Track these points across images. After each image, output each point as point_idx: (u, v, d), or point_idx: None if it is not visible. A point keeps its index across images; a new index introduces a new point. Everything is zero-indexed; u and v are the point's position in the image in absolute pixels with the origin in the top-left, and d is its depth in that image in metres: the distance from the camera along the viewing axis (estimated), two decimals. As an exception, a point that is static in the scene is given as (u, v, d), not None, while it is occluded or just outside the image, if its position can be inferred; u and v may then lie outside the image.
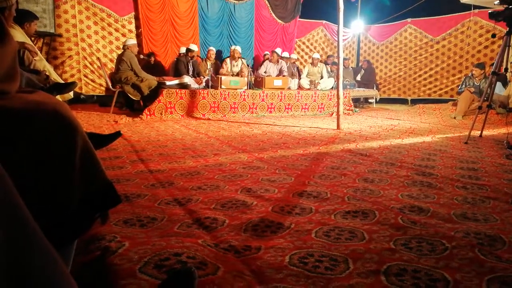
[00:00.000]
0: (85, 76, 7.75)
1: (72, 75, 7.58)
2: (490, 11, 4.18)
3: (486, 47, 9.00)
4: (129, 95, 6.13)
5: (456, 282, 1.09)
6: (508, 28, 3.86)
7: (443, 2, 9.54)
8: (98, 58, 7.50)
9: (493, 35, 4.99)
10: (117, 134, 1.41)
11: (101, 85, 7.88)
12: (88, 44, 7.72)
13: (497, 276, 1.12)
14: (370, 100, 10.07)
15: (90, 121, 5.22)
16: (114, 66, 6.86)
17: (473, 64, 7.67)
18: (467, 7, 9.11)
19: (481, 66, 6.97)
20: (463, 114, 6.55)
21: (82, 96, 7.41)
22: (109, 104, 6.34)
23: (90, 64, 7.76)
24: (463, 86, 6.97)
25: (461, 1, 8.33)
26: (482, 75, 6.84)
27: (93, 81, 7.82)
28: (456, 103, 7.07)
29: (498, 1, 4.52)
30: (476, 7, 8.99)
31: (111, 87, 6.33)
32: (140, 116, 5.68)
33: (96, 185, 0.74)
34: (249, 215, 1.65)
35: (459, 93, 7.11)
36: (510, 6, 3.76)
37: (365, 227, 1.51)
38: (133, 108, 6.52)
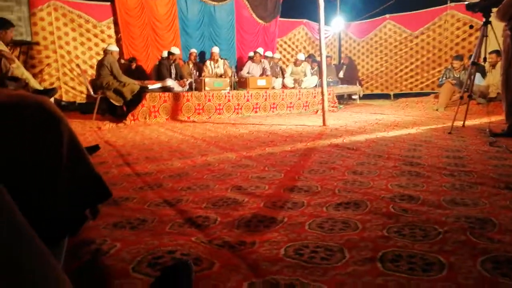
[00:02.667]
0: (65, 83, 7.61)
1: (52, 83, 7.42)
2: (466, 3, 4.28)
3: (463, 39, 9.20)
4: (112, 100, 6.05)
5: (450, 264, 1.10)
6: (484, 19, 3.95)
7: (420, -4, 9.73)
8: (77, 65, 7.37)
9: (471, 26, 5.12)
10: (95, 148, 1.38)
11: (81, 92, 7.74)
12: (67, 51, 7.58)
13: (490, 257, 1.14)
14: (353, 97, 10.17)
15: (72, 129, 5.11)
16: (94, 73, 6.75)
17: (452, 57, 7.82)
18: (443, 1, 9.31)
19: (459, 58, 7.13)
20: (445, 106, 6.68)
21: (63, 103, 7.28)
22: (91, 112, 6.24)
23: (70, 71, 7.63)
24: (444, 78, 7.11)
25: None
26: (462, 66, 6.99)
27: (73, 88, 7.69)
28: (438, 95, 7.20)
29: (473, -8, 4.63)
30: (452, 0, 9.19)
31: (92, 93, 6.22)
32: (124, 121, 5.61)
33: (84, 179, 0.71)
34: (241, 211, 1.64)
35: (439, 86, 7.25)
36: (485, -3, 3.85)
37: (357, 217, 1.52)
38: (116, 114, 6.42)
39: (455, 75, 6.95)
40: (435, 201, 1.70)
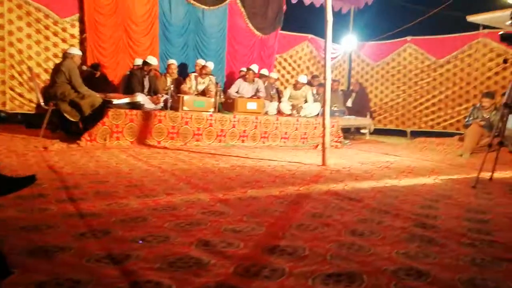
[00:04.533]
0: (11, 89, 7.55)
1: (-5, 87, 7.36)
2: (501, 33, 4.39)
3: (497, 73, 9.45)
4: (66, 114, 5.99)
5: None
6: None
7: (448, 20, 10.03)
8: (29, 67, 7.34)
9: (505, 61, 5.22)
10: (30, 179, 1.32)
11: (31, 100, 7.67)
12: (18, 49, 7.57)
13: None
14: (362, 131, 10.26)
15: (12, 147, 5.03)
16: (49, 78, 6.72)
17: (482, 93, 7.98)
18: (475, 27, 9.60)
19: (490, 95, 7.26)
20: (471, 151, 6.74)
21: (2, 114, 7.18)
22: (39, 126, 6.16)
23: (19, 74, 7.59)
24: (471, 118, 7.22)
25: (468, 20, 8.78)
26: (493, 106, 7.12)
27: (21, 95, 7.62)
28: (463, 138, 7.28)
29: (510, 21, 4.77)
30: (485, 27, 9.49)
31: (42, 104, 6.17)
32: (78, 141, 5.54)
33: None
34: (204, 278, 1.57)
35: (466, 126, 7.35)
36: (523, 29, 3.96)
37: (350, 297, 1.46)
38: (70, 131, 6.35)
39: (484, 115, 7.07)
40: (448, 281, 1.65)
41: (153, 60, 7.32)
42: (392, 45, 11.17)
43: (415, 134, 10.16)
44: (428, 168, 5.22)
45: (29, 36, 7.67)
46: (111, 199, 2.76)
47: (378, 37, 11.51)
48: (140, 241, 1.95)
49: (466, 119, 7.47)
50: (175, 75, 8.09)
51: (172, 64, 7.99)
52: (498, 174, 4.71)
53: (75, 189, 3.00)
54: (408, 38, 10.81)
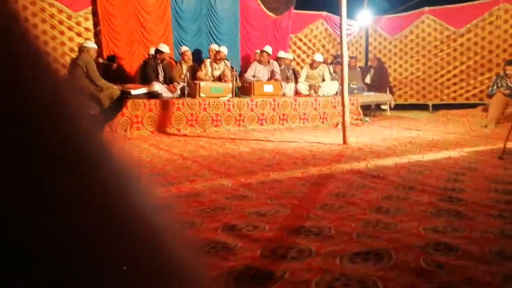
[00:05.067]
0: (31, 85, 7.68)
1: (15, 85, 7.49)
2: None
3: (520, 39, 9.17)
4: (86, 108, 6.07)
5: None
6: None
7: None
8: (47, 63, 7.45)
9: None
10: None
11: (51, 96, 7.80)
12: (35, 46, 7.67)
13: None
14: (383, 107, 10.12)
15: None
16: (66, 73, 6.81)
17: (505, 61, 7.77)
18: (496, -7, 9.31)
19: None
20: (496, 121, 6.60)
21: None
22: (61, 120, 6.26)
23: (37, 70, 7.71)
24: (495, 87, 7.05)
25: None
26: None
27: (41, 91, 7.76)
28: (487, 108, 7.13)
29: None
30: (506, -9, 9.19)
31: (62, 98, 6.26)
32: (99, 134, 5.61)
33: None
34: (231, 262, 1.59)
35: (489, 96, 7.19)
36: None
37: (378, 274, 1.46)
38: (91, 124, 6.44)
39: (509, 83, 6.89)
40: (478, 253, 1.64)
41: (165, 48, 7.31)
42: (409, 17, 10.91)
43: (437, 107, 9.97)
44: (452, 141, 5.14)
45: (44, 32, 7.75)
46: (136, 188, 2.80)
47: (394, 10, 11.25)
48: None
49: (490, 89, 7.30)
50: (190, 63, 8.09)
51: (187, 51, 7.98)
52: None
53: (100, 180, 3.06)
54: (426, 8, 10.53)
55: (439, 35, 10.39)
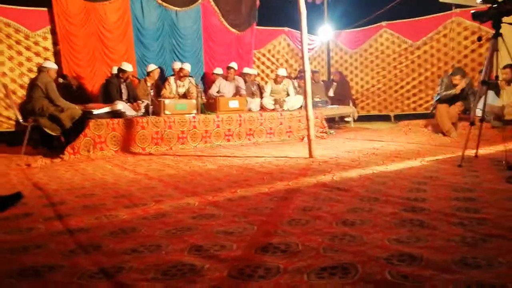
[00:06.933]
0: (-12, 108, 7.42)
1: (-30, 108, 7.23)
2: (472, 11, 4.45)
3: (473, 50, 9.58)
4: (46, 129, 5.91)
5: None
6: (494, 30, 4.10)
7: (420, 2, 10.12)
8: (4, 84, 7.22)
9: (479, 38, 5.28)
10: (16, 197, 1.31)
11: (9, 118, 7.55)
12: (-9, 67, 7.44)
13: None
14: (347, 119, 10.33)
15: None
16: (25, 94, 6.61)
17: (446, 73, 8.00)
18: (448, 7, 9.72)
19: (460, 71, 7.27)
20: (453, 129, 6.81)
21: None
22: (20, 143, 6.07)
23: (-6, 92, 7.46)
24: (443, 89, 7.23)
25: (440, 0, 8.88)
26: (466, 83, 7.06)
27: (-2, 114, 7.51)
28: (436, 122, 7.30)
29: (480, 0, 4.83)
30: (457, 6, 9.61)
31: (21, 120, 6.07)
32: (61, 156, 5.47)
33: None
34: (198, 284, 1.56)
35: (432, 111, 7.41)
36: (494, 6, 4.00)
37: (345, 288, 1.47)
38: (52, 146, 6.28)
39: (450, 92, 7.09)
40: (441, 262, 1.67)
41: (127, 66, 7.22)
42: (368, 31, 11.24)
43: (399, 118, 10.25)
44: (414, 151, 5.28)
45: (1, 53, 7.54)
46: (99, 212, 2.73)
47: (353, 25, 11.57)
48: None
49: (437, 93, 7.48)
50: (155, 80, 8.02)
51: (156, 71, 7.87)
52: (482, 151, 4.78)
53: (62, 205, 2.97)
54: (383, 23, 10.89)
55: (397, 48, 10.75)
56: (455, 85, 7.11)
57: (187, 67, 7.93)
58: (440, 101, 7.18)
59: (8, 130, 7.59)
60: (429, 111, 9.97)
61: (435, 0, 8.93)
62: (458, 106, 7.00)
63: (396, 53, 10.76)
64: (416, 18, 10.40)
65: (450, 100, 7.08)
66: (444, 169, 3.87)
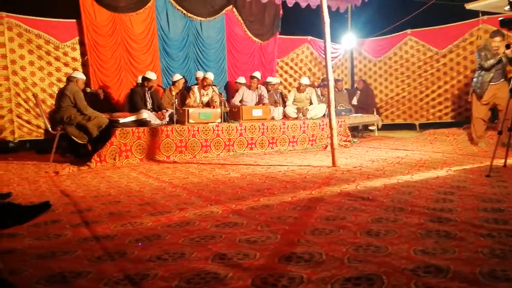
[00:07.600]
0: (19, 116, 7.63)
1: (2, 117, 7.45)
2: (500, 18, 4.37)
3: (500, 59, 9.35)
4: (74, 138, 6.05)
5: None
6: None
7: (446, 9, 9.98)
8: (34, 94, 7.43)
9: (507, 46, 5.18)
10: (45, 206, 1.34)
11: (38, 126, 7.76)
12: (22, 77, 7.66)
13: None
14: (370, 128, 10.22)
15: (23, 174, 5.08)
16: (54, 103, 6.79)
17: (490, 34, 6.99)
18: (474, 14, 9.54)
19: (499, 33, 6.44)
20: (483, 138, 6.63)
21: (11, 144, 7.25)
22: (49, 151, 6.22)
23: (25, 101, 7.67)
24: (482, 62, 6.53)
25: (467, 7, 8.73)
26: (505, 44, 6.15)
27: (28, 122, 7.71)
28: (469, 126, 7.12)
29: (508, 6, 4.75)
30: (484, 13, 9.42)
31: (50, 129, 6.23)
32: (88, 163, 5.57)
33: None
34: (222, 292, 1.57)
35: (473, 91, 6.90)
36: (523, 12, 3.92)
37: (370, 300, 1.45)
38: (79, 154, 6.40)
39: (493, 60, 6.40)
40: (469, 275, 1.64)
41: (151, 75, 7.33)
42: (393, 39, 11.13)
43: (424, 127, 10.08)
44: (440, 160, 5.18)
45: (31, 63, 7.77)
46: (125, 219, 2.77)
47: (378, 33, 11.47)
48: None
49: (478, 66, 6.83)
50: (181, 89, 8.12)
51: (181, 79, 7.99)
52: (511, 161, 4.66)
53: (89, 212, 3.02)
54: (408, 31, 10.76)
55: (422, 56, 10.59)
56: (496, 50, 6.36)
57: (210, 76, 8.01)
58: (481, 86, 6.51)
59: (37, 138, 7.79)
60: (454, 120, 9.80)
61: (461, 7, 8.78)
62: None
63: (421, 61, 10.60)
64: (442, 26, 10.24)
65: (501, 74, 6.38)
66: (471, 179, 3.79)
